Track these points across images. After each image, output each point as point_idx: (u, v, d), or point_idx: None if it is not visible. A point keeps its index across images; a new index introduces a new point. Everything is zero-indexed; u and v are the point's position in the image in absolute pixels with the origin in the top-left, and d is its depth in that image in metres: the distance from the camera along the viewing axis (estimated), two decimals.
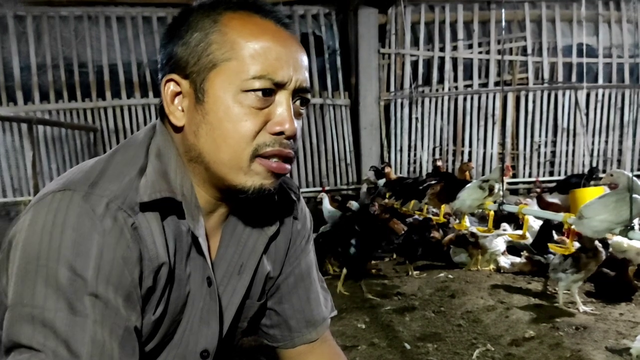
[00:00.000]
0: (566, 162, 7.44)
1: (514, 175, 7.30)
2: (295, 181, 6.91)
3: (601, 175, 6.93)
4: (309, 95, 0.90)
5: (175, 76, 0.85)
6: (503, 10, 4.14)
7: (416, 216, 4.61)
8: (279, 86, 0.83)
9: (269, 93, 0.82)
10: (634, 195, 2.40)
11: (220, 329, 0.93)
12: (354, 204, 5.12)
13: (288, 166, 0.87)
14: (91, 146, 6.55)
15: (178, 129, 0.87)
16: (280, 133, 0.83)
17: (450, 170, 6.71)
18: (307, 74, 0.88)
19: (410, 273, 4.25)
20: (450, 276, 4.15)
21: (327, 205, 5.52)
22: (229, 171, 0.84)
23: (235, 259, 0.96)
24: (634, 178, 2.43)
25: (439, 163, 5.49)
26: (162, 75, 0.88)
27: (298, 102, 0.87)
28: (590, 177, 5.07)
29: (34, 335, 0.70)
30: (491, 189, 3.47)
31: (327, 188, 6.82)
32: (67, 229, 0.73)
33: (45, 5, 6.39)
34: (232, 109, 0.81)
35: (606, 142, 7.47)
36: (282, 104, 0.84)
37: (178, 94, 0.86)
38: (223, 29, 0.83)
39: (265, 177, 0.84)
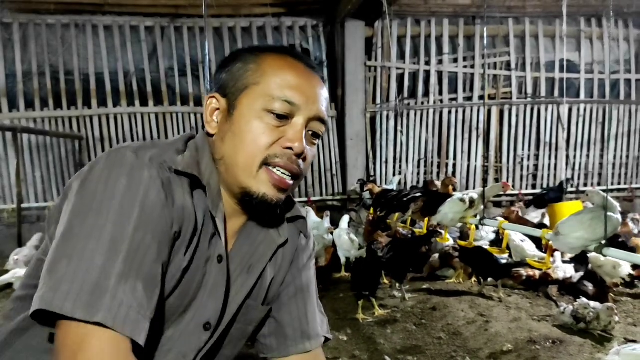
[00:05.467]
0: (548, 175, 7.57)
1: None
2: None
3: (582, 188, 7.15)
4: (323, 129, 1.04)
5: (216, 95, 1.03)
6: (485, 27, 4.22)
7: (404, 231, 4.62)
8: (295, 111, 0.98)
9: (286, 116, 0.98)
10: (609, 213, 2.47)
11: (224, 304, 1.03)
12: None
13: (290, 182, 1.00)
14: (76, 154, 6.53)
15: (211, 135, 1.03)
16: (290, 149, 0.98)
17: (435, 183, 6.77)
18: (324, 109, 1.03)
19: (396, 293, 4.10)
20: (432, 288, 4.20)
21: (312, 217, 5.55)
22: (242, 173, 0.98)
23: (246, 258, 1.07)
24: (609, 197, 2.50)
25: (436, 183, 5.39)
26: (208, 94, 1.06)
27: (310, 133, 1.02)
28: (564, 190, 5.22)
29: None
30: (472, 202, 3.52)
31: (312, 198, 6.85)
32: (120, 175, 0.87)
33: (32, 12, 6.38)
34: (254, 123, 0.97)
35: (587, 156, 7.61)
36: (296, 126, 0.99)
37: (217, 109, 1.03)
38: (259, 61, 1.01)
39: (269, 188, 0.98)
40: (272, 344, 1.16)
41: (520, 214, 5.41)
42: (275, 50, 1.04)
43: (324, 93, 1.04)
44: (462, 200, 3.54)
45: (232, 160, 0.99)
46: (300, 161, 1.00)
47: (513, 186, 7.44)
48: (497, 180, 7.43)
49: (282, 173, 0.98)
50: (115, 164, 0.88)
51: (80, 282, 0.79)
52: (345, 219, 4.92)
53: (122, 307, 0.80)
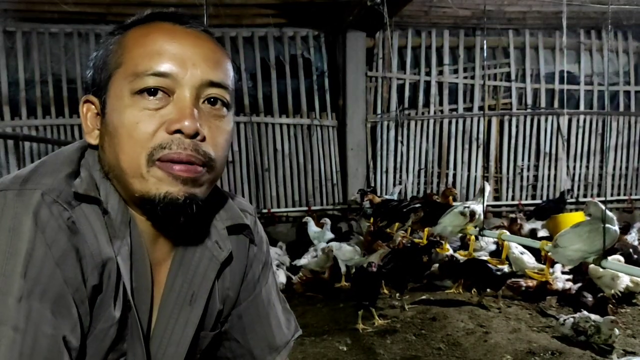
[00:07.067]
0: (548, 186, 7.58)
1: (497, 199, 7.42)
2: (282, 200, 6.95)
3: (582, 199, 7.17)
4: (224, 94, 0.81)
5: (90, 97, 0.82)
6: (485, 39, 4.26)
7: (404, 241, 4.62)
8: (174, 84, 0.76)
9: (164, 91, 0.76)
10: (607, 225, 2.48)
11: (147, 348, 0.85)
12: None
13: (198, 167, 0.78)
14: None
15: (96, 147, 0.83)
16: (178, 131, 0.75)
17: (434, 192, 6.78)
18: (215, 69, 0.80)
19: (397, 303, 4.09)
20: (432, 298, 4.20)
21: (313, 227, 5.57)
22: (131, 180, 0.77)
23: (185, 288, 0.89)
24: (606, 210, 2.52)
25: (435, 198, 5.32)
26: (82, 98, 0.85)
27: (207, 102, 0.80)
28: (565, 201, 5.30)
29: None
30: (472, 215, 3.54)
31: (313, 208, 6.86)
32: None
33: (35, 21, 6.41)
34: (126, 114, 0.76)
35: (587, 167, 7.64)
36: (180, 101, 0.77)
37: (97, 114, 0.82)
38: (121, 39, 0.81)
39: (170, 184, 0.76)
40: None
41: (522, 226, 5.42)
42: (141, 20, 0.82)
43: (211, 49, 0.81)
44: (462, 213, 3.56)
45: (117, 168, 0.78)
46: (201, 144, 0.77)
47: (513, 197, 7.47)
48: (496, 190, 7.45)
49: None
50: None
51: None
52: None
53: None
